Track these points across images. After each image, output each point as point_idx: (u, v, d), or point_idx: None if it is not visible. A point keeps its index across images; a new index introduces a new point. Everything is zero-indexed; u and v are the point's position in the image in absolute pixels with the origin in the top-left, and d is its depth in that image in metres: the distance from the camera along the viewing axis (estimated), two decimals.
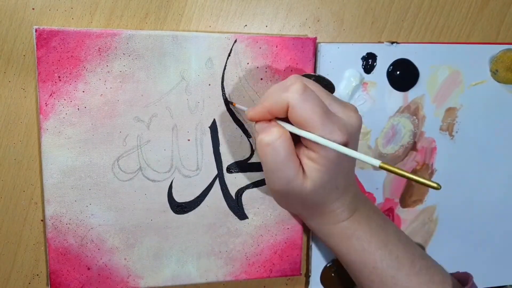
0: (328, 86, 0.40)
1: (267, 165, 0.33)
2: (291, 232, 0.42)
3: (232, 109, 0.39)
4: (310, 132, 0.31)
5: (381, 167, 0.28)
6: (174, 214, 0.40)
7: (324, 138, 0.30)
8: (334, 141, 0.30)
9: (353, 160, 0.35)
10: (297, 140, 0.33)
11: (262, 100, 0.33)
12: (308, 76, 0.39)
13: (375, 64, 0.42)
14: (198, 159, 0.39)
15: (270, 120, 0.33)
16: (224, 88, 0.39)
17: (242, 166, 0.40)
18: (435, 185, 0.27)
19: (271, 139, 0.31)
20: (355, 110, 0.34)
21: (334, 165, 0.32)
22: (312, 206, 0.35)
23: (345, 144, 0.31)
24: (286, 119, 0.33)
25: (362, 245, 0.36)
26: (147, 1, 0.38)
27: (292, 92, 0.31)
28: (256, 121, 0.34)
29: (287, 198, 0.36)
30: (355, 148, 0.34)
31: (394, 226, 0.38)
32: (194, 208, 0.40)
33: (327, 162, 0.32)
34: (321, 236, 0.38)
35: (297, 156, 0.33)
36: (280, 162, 0.32)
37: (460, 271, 0.40)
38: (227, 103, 0.39)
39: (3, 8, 0.36)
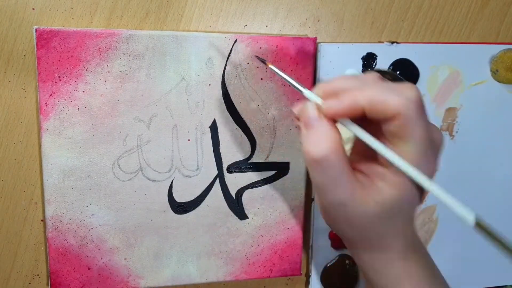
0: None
1: (314, 181, 0.27)
2: (291, 232, 0.42)
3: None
4: (404, 155, 0.25)
5: (476, 226, 0.23)
6: (174, 214, 0.40)
7: (419, 166, 0.25)
8: (427, 171, 0.25)
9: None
10: (362, 149, 0.28)
11: (351, 93, 0.26)
12: (382, 72, 0.33)
13: (375, 64, 0.42)
14: (198, 159, 0.39)
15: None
16: (224, 88, 0.39)
17: (242, 166, 0.41)
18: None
19: (321, 155, 0.26)
20: (438, 129, 0.29)
21: (414, 192, 0.27)
22: (370, 236, 0.29)
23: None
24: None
25: None
26: (147, 1, 0.38)
27: (410, 102, 0.25)
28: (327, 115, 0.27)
29: (339, 220, 0.29)
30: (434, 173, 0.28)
31: (442, 278, 0.33)
32: (194, 208, 0.40)
33: (409, 190, 0.26)
34: (369, 272, 0.31)
35: (363, 171, 0.28)
36: (331, 180, 0.26)
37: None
38: (228, 97, 0.39)
39: (3, 8, 0.36)
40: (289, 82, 0.30)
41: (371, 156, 0.27)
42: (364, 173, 0.28)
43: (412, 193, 0.27)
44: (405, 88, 0.25)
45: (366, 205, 0.27)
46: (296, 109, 0.28)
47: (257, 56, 0.37)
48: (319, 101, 0.27)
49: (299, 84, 0.29)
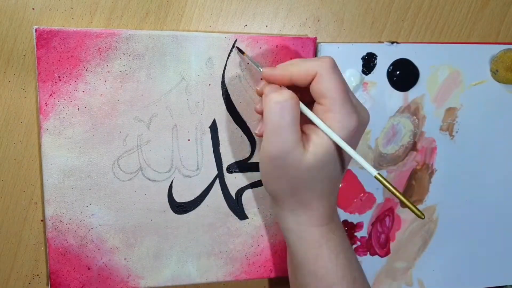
0: None
1: (270, 124, 0.31)
2: None
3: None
4: (328, 106, 0.31)
5: (375, 177, 0.29)
6: (174, 214, 0.40)
7: (341, 117, 0.31)
8: (349, 124, 0.31)
9: (350, 158, 0.34)
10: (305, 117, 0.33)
11: (284, 65, 0.33)
12: None
13: (375, 64, 0.42)
14: (198, 159, 0.39)
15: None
16: (224, 88, 0.39)
17: (242, 166, 0.40)
18: (419, 214, 0.29)
19: (281, 99, 0.31)
20: (367, 111, 0.35)
21: (338, 150, 0.32)
22: (301, 188, 0.33)
23: (350, 136, 0.32)
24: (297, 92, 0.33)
25: (330, 257, 0.34)
26: (147, 1, 0.38)
27: (324, 62, 0.31)
28: (269, 83, 0.34)
29: (279, 168, 0.33)
30: (356, 144, 0.34)
31: (352, 249, 0.37)
32: (194, 208, 0.40)
33: (334, 143, 0.32)
34: (292, 237, 0.35)
35: (304, 130, 0.33)
36: (284, 124, 0.31)
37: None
38: (229, 100, 0.39)
39: (3, 8, 0.36)
40: (252, 62, 0.37)
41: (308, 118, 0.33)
42: (303, 132, 0.33)
43: (338, 149, 0.32)
44: (321, 57, 0.32)
45: (303, 155, 0.31)
46: (268, 73, 0.34)
47: (237, 47, 0.39)
48: (258, 67, 0.36)
49: (255, 63, 0.37)
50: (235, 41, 0.38)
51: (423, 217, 0.29)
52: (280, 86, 0.33)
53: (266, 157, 0.33)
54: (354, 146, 0.33)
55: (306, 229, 0.34)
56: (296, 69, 0.32)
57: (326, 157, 0.32)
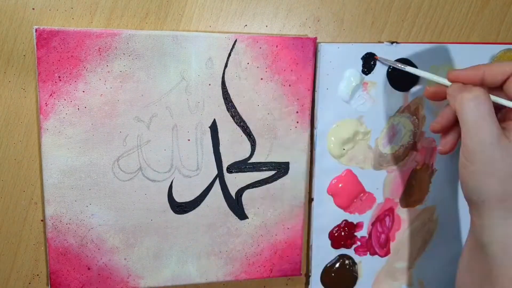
0: None
1: (469, 121, 0.32)
2: (291, 232, 0.42)
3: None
4: None
5: None
6: (174, 214, 0.40)
7: None
8: None
9: None
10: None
11: (474, 66, 0.35)
12: None
13: (375, 64, 0.42)
14: (198, 159, 0.39)
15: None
16: (224, 88, 0.39)
17: (242, 166, 0.41)
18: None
19: (475, 95, 0.32)
20: None
21: None
22: (508, 186, 0.31)
23: None
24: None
25: None
26: (147, 1, 0.38)
27: None
28: (454, 81, 0.35)
29: (487, 164, 0.32)
30: None
31: None
32: (194, 208, 0.40)
33: None
34: (496, 251, 0.32)
35: (504, 127, 0.33)
36: (483, 116, 0.31)
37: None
38: (229, 101, 0.39)
39: (3, 8, 0.36)
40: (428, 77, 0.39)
41: (505, 115, 0.34)
42: (504, 128, 0.33)
43: None
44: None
45: (510, 149, 0.31)
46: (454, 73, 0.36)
47: (380, 59, 0.41)
48: (398, 64, 0.39)
49: (435, 76, 0.38)
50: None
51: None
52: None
53: (471, 155, 0.32)
54: None
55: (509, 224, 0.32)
56: (489, 68, 0.34)
57: None
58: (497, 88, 0.34)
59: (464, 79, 0.35)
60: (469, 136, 0.32)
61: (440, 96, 0.39)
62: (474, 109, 0.32)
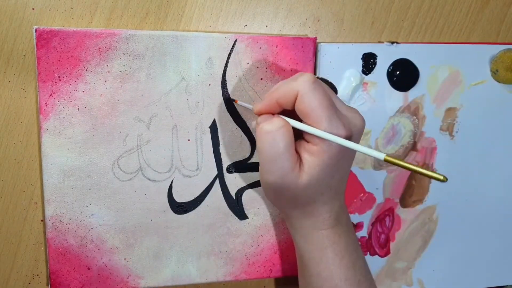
0: (331, 88, 0.40)
1: (264, 154, 0.32)
2: None
3: (236, 106, 0.39)
4: (314, 125, 0.31)
5: (385, 160, 0.28)
6: (174, 214, 0.40)
7: (328, 132, 0.30)
8: (337, 136, 0.31)
9: (349, 162, 0.35)
10: (298, 135, 0.33)
11: (269, 93, 0.33)
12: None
13: (375, 64, 0.42)
14: (198, 159, 0.39)
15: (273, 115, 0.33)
16: (224, 88, 0.39)
17: (242, 166, 0.40)
18: (441, 177, 0.26)
19: (272, 128, 0.31)
20: (358, 112, 0.34)
21: (333, 161, 0.32)
22: (302, 203, 0.34)
23: (342, 149, 0.31)
24: (291, 115, 0.33)
25: (334, 259, 0.35)
26: (147, 1, 0.38)
27: (303, 81, 0.31)
28: (261, 114, 0.34)
29: (278, 192, 0.34)
30: (354, 153, 0.35)
31: (361, 251, 0.38)
32: (194, 208, 0.40)
33: (327, 157, 0.31)
34: (298, 239, 0.36)
35: (296, 150, 0.33)
36: (278, 153, 0.31)
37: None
38: (229, 101, 0.39)
39: (3, 8, 0.36)
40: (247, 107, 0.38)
41: (299, 136, 0.33)
42: (296, 151, 0.33)
43: (332, 160, 0.32)
44: (300, 75, 0.32)
45: (299, 178, 0.32)
46: (257, 107, 0.34)
47: (229, 97, 0.39)
48: (250, 106, 0.37)
49: (245, 103, 0.38)
50: (229, 97, 0.39)
51: (445, 180, 0.27)
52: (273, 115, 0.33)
53: (264, 183, 0.34)
54: (350, 154, 0.34)
55: (311, 232, 0.35)
56: (279, 93, 0.32)
57: (321, 173, 0.32)
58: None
59: (266, 111, 0.33)
60: (264, 168, 0.33)
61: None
62: (270, 143, 0.31)
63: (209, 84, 0.39)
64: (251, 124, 0.39)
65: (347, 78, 0.41)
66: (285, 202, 0.35)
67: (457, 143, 0.45)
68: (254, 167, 0.41)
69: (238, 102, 0.39)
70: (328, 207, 0.34)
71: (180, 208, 0.40)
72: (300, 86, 0.31)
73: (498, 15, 0.45)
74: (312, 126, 0.31)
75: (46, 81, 0.36)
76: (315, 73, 0.41)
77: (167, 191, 0.39)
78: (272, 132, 0.31)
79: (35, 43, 0.35)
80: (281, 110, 0.33)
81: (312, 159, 0.32)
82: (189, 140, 0.39)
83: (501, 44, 0.44)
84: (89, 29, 0.36)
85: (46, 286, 0.40)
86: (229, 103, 0.39)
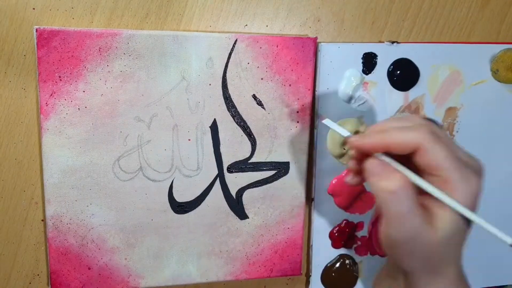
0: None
1: (390, 214, 0.29)
2: (292, 232, 0.42)
3: (323, 123, 0.35)
4: (442, 177, 0.29)
5: None
6: (174, 214, 0.40)
7: (463, 186, 0.28)
8: (473, 189, 0.29)
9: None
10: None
11: (379, 134, 0.30)
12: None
13: (375, 63, 0.42)
14: (199, 159, 0.39)
15: (372, 156, 0.31)
16: (224, 87, 0.39)
17: (242, 165, 0.41)
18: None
19: (395, 187, 0.28)
20: (474, 156, 0.31)
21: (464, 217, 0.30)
22: (436, 264, 0.31)
23: (477, 200, 0.29)
24: (393, 157, 0.30)
25: None
26: (147, 1, 0.38)
27: (424, 133, 0.29)
28: (362, 152, 0.31)
29: (410, 252, 0.30)
30: (479, 202, 0.31)
31: None
32: (194, 208, 0.40)
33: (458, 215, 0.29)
34: None
35: (423, 203, 0.30)
36: (406, 212, 0.28)
37: None
38: (228, 100, 0.39)
39: (3, 8, 0.36)
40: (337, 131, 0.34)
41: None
42: (422, 205, 0.30)
43: (464, 221, 0.29)
44: (417, 125, 0.29)
45: (431, 235, 0.29)
46: (358, 142, 0.31)
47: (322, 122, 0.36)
48: (344, 132, 0.33)
49: (336, 125, 0.34)
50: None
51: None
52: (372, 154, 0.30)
53: (392, 242, 0.30)
54: (478, 204, 0.31)
55: None
56: (393, 141, 0.29)
57: (456, 229, 0.30)
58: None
59: (368, 150, 0.30)
60: (390, 226, 0.30)
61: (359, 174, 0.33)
62: (394, 203, 0.28)
63: (210, 84, 0.39)
64: (349, 163, 0.33)
65: (348, 78, 0.41)
66: (418, 263, 0.31)
67: (457, 142, 0.45)
68: (255, 167, 0.41)
69: (325, 121, 0.34)
70: (454, 265, 0.31)
71: (180, 207, 0.40)
72: (422, 139, 0.28)
73: (498, 14, 0.45)
74: (442, 179, 0.29)
75: (46, 81, 0.36)
76: (315, 73, 0.41)
77: (167, 191, 0.39)
78: (396, 193, 0.28)
79: (35, 43, 0.35)
80: (384, 152, 0.30)
81: (447, 214, 0.29)
82: (189, 140, 0.39)
83: (502, 43, 0.44)
84: (90, 29, 0.36)
85: (47, 285, 0.40)
86: (229, 103, 0.39)
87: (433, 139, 0.29)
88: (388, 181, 0.29)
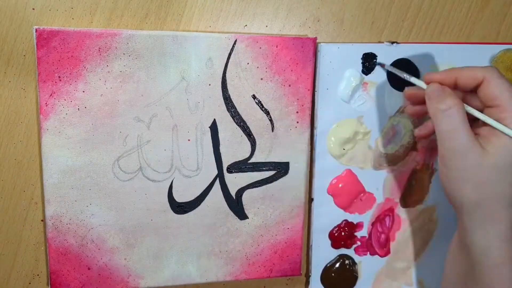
0: None
1: (441, 131, 0.33)
2: (291, 232, 0.42)
3: (386, 69, 0.41)
4: (502, 107, 0.32)
5: None
6: (174, 214, 0.40)
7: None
8: None
9: None
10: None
11: (449, 70, 0.35)
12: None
13: (375, 64, 0.42)
14: (198, 159, 0.39)
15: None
16: (224, 88, 0.39)
17: (242, 166, 0.41)
18: None
19: (447, 106, 0.33)
20: None
21: None
22: (487, 196, 0.32)
23: None
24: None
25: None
26: (147, 1, 0.38)
27: (491, 69, 0.33)
28: (430, 82, 0.35)
29: (461, 171, 0.33)
30: None
31: None
32: (194, 208, 0.40)
33: None
34: (477, 253, 0.33)
35: (480, 133, 0.34)
36: (455, 127, 0.32)
37: None
38: (228, 99, 0.39)
39: (3, 8, 0.36)
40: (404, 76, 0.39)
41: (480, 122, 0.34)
42: (479, 134, 0.34)
43: None
44: (485, 66, 0.34)
45: (483, 155, 0.32)
46: (430, 75, 0.36)
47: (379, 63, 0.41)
48: (403, 74, 0.39)
49: (396, 69, 0.40)
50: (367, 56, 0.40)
51: None
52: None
53: (445, 162, 0.34)
54: None
55: (493, 244, 0.32)
56: (462, 73, 0.34)
57: (509, 156, 0.32)
58: (473, 92, 0.35)
59: (439, 80, 0.35)
60: (443, 145, 0.33)
61: (418, 99, 0.38)
62: (446, 120, 0.33)
63: (209, 84, 0.39)
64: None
65: (347, 78, 0.41)
66: (469, 190, 0.33)
67: None
68: (254, 167, 0.41)
69: (386, 66, 0.40)
70: (509, 213, 0.32)
71: (180, 208, 0.40)
72: (488, 73, 0.33)
73: (498, 15, 0.45)
74: (500, 109, 0.32)
75: (46, 81, 0.36)
76: (315, 73, 0.41)
77: (167, 191, 0.39)
78: (446, 111, 0.33)
79: (35, 43, 0.35)
80: (452, 88, 0.34)
81: (501, 141, 0.32)
82: (189, 140, 0.39)
83: (501, 44, 0.44)
84: (89, 29, 0.36)
85: (47, 286, 0.40)
86: (229, 103, 0.39)
87: (498, 75, 0.33)
88: (442, 103, 0.33)
